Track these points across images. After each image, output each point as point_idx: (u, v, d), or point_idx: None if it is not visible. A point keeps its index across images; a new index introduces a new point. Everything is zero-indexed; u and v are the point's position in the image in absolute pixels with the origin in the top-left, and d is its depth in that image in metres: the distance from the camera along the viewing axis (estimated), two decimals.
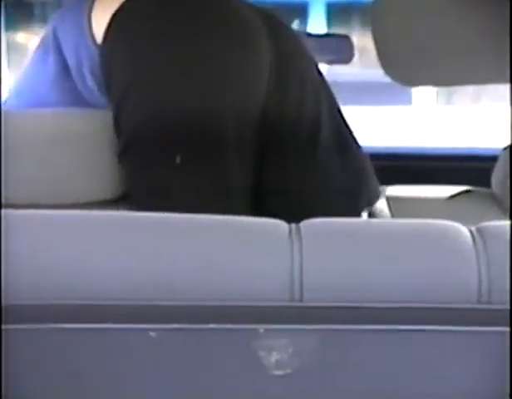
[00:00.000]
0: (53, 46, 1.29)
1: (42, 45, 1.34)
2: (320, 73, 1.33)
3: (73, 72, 1.27)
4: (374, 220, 1.02)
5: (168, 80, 1.16)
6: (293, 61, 1.25)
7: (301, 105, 1.24)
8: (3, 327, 0.82)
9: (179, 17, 1.17)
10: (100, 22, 1.22)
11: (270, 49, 1.19)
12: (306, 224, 0.89)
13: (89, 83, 1.25)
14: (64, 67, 1.28)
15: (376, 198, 1.37)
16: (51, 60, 1.29)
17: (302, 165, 1.25)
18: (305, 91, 1.25)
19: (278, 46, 1.21)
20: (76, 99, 1.29)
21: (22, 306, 0.83)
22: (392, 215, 1.40)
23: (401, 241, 0.88)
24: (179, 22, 1.16)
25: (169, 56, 1.15)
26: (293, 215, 0.93)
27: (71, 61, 1.26)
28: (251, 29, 1.19)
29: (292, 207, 1.22)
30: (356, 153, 1.35)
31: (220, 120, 1.16)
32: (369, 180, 1.36)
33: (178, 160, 1.16)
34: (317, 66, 1.34)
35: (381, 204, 1.37)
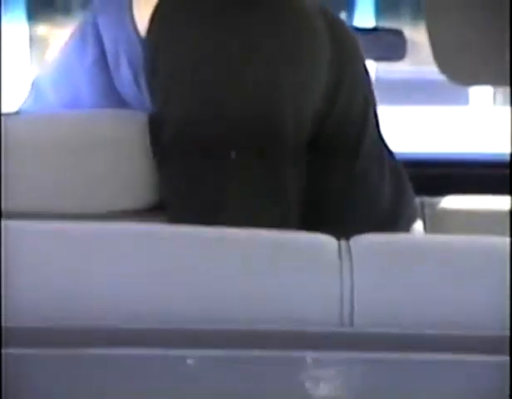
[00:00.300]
0: (92, 36, 1.31)
1: (80, 35, 1.35)
2: (367, 73, 1.33)
3: (111, 65, 1.28)
4: (430, 236, 1.01)
5: (219, 72, 1.15)
6: (348, 63, 1.24)
7: (350, 109, 1.23)
8: (3, 351, 0.82)
9: (230, 8, 1.16)
10: (142, 14, 1.22)
11: (329, 47, 1.19)
12: (356, 240, 0.88)
13: (126, 76, 1.26)
14: (102, 59, 1.30)
15: (415, 214, 1.36)
16: (90, 51, 1.31)
17: (344, 175, 1.24)
18: (355, 96, 1.25)
19: (336, 46, 1.21)
20: (110, 93, 1.31)
21: (43, 329, 0.83)
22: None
23: (458, 260, 0.87)
24: (231, 14, 1.15)
25: (219, 47, 1.14)
26: (334, 227, 0.92)
27: (110, 53, 1.27)
28: (312, 28, 1.18)
29: (333, 218, 1.22)
30: (395, 163, 1.34)
31: (277, 120, 1.15)
32: (408, 192, 1.35)
33: (229, 164, 1.15)
34: (365, 65, 1.33)
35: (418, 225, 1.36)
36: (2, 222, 0.89)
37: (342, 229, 0.90)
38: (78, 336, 0.82)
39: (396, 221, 1.28)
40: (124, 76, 1.27)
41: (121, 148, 1.29)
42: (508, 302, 0.82)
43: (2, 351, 0.81)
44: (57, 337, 0.82)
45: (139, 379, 0.83)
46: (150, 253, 0.87)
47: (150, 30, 1.20)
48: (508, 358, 0.80)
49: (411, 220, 1.33)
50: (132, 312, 0.84)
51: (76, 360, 0.82)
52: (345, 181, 1.24)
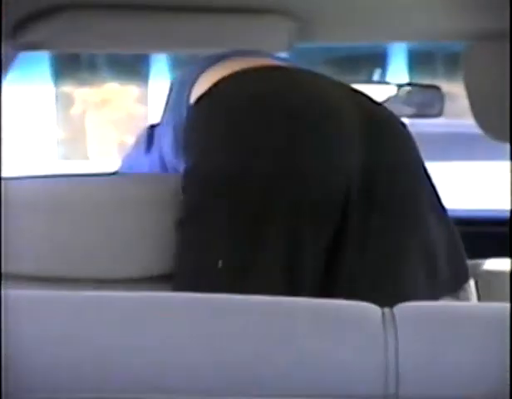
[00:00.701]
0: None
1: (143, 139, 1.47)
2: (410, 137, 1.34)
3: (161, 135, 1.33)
4: (474, 304, 1.00)
5: (248, 149, 1.22)
6: (385, 140, 1.26)
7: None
8: None
9: (268, 100, 1.21)
10: (198, 90, 1.32)
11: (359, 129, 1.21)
12: (400, 308, 0.88)
13: (168, 137, 1.31)
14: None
15: (467, 276, 1.36)
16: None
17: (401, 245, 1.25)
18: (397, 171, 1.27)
19: (369, 127, 1.23)
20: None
21: None
22: (479, 297, 1.38)
23: (500, 330, 0.86)
24: (267, 106, 1.20)
25: (252, 130, 1.19)
26: (381, 296, 0.92)
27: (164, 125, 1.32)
28: (340, 112, 1.21)
29: (383, 287, 1.22)
30: (449, 224, 1.34)
31: (302, 195, 1.19)
32: (461, 254, 1.35)
33: (250, 233, 1.19)
34: (405, 126, 1.35)
35: (470, 286, 1.35)
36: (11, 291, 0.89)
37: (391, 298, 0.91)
38: None
39: (449, 281, 1.28)
40: (167, 139, 1.31)
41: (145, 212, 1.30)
42: None
43: None
44: None
45: None
46: (180, 322, 0.87)
47: (197, 102, 1.28)
48: None
49: (463, 280, 1.33)
50: (155, 381, 0.84)
51: None
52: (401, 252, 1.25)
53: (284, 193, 1.20)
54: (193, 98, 1.32)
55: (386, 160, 1.26)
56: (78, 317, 0.87)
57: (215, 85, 1.29)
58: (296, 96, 1.26)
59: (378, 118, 1.30)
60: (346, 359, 0.84)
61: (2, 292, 0.88)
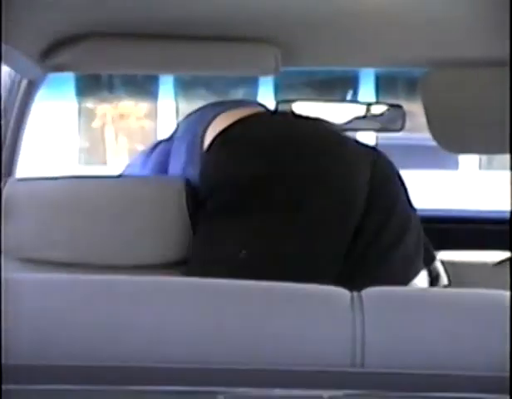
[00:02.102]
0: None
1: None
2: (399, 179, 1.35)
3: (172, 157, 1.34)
4: (432, 289, 1.00)
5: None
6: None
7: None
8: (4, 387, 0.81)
9: (273, 144, 1.22)
10: (209, 135, 1.33)
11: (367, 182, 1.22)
12: (367, 291, 0.88)
13: (181, 161, 1.32)
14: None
15: (432, 259, 1.36)
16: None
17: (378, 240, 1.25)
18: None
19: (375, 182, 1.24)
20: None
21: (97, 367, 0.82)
22: (449, 277, 1.38)
23: (457, 311, 0.86)
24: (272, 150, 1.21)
25: (256, 175, 1.19)
26: (358, 280, 0.92)
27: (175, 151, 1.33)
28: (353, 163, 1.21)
29: (357, 272, 1.21)
30: (415, 217, 1.34)
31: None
32: (425, 242, 1.35)
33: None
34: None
35: (437, 265, 1.36)
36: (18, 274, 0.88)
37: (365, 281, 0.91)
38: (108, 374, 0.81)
39: (418, 260, 1.29)
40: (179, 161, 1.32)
41: (158, 208, 1.29)
42: (507, 346, 0.81)
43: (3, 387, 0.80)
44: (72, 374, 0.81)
45: None
46: (181, 303, 0.86)
47: (208, 149, 1.30)
48: (508, 397, 0.79)
49: (432, 258, 1.34)
50: (164, 352, 0.83)
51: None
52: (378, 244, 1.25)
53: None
54: (206, 144, 1.33)
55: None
56: (88, 297, 0.86)
57: (226, 129, 1.29)
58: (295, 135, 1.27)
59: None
60: (317, 334, 0.83)
61: (16, 274, 0.87)
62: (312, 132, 1.30)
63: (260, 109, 1.39)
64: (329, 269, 1.17)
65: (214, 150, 1.32)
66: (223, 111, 1.39)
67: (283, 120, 1.35)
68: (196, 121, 1.44)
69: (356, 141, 1.33)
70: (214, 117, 1.38)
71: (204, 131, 1.36)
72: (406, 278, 1.26)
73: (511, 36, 1.48)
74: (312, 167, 1.24)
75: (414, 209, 1.35)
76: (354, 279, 0.94)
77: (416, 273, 1.32)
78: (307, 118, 1.41)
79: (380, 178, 1.27)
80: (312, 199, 1.21)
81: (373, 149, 1.34)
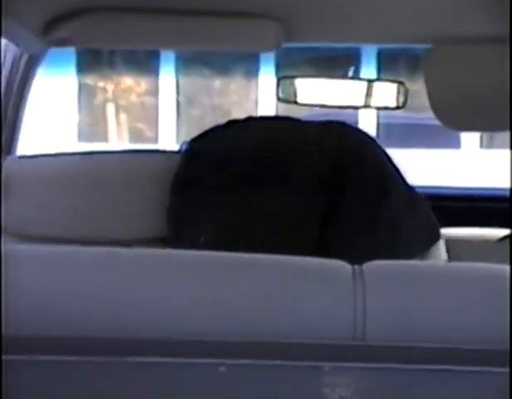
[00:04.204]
0: None
1: None
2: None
3: None
4: (433, 263, 1.01)
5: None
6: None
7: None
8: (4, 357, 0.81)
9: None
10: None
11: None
12: (368, 266, 0.88)
13: None
14: None
15: (437, 237, 1.35)
16: None
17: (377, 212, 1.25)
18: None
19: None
20: None
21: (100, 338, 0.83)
22: (449, 256, 1.38)
23: (458, 285, 0.87)
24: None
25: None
26: (362, 255, 0.92)
27: None
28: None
29: (362, 248, 1.21)
30: (417, 195, 1.33)
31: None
32: (430, 220, 1.35)
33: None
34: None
35: (440, 245, 1.35)
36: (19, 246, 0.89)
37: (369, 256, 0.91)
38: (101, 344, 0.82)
39: (421, 241, 1.28)
40: None
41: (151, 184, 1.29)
42: (507, 319, 0.82)
43: (3, 357, 0.80)
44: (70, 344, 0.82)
45: (177, 387, 0.83)
46: (183, 277, 0.87)
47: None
48: (508, 369, 0.80)
49: (435, 239, 1.33)
50: (160, 323, 0.84)
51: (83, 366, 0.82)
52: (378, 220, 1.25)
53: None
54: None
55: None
56: (89, 268, 0.87)
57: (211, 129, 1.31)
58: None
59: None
60: (319, 307, 0.84)
61: (17, 247, 0.87)
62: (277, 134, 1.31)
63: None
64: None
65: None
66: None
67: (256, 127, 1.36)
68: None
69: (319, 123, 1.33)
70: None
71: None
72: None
73: (511, 13, 1.48)
74: (272, 165, 1.25)
75: (411, 188, 1.35)
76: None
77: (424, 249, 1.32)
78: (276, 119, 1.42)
79: (348, 155, 1.27)
80: (270, 191, 1.22)
81: (338, 125, 1.33)
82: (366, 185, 1.26)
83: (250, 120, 1.34)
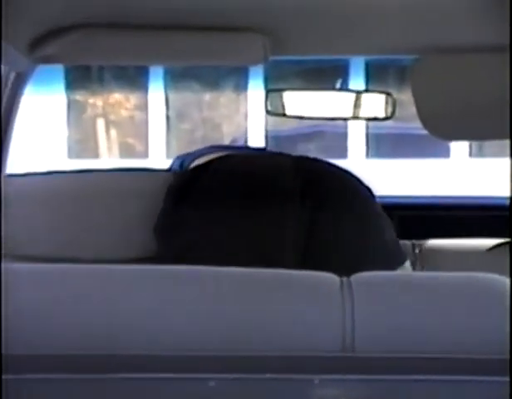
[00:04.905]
0: None
1: None
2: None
3: None
4: (421, 273, 1.01)
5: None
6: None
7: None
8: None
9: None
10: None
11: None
12: (356, 277, 0.88)
13: None
14: None
15: (404, 258, 1.36)
16: None
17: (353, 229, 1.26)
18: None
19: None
20: None
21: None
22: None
23: (447, 295, 0.87)
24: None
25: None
26: (339, 268, 0.93)
27: None
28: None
29: (339, 262, 1.22)
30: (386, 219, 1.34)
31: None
32: (397, 243, 1.36)
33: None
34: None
35: (407, 266, 1.36)
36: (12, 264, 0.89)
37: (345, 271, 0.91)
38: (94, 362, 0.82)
39: (388, 260, 1.29)
40: None
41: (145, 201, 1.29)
42: (497, 328, 0.82)
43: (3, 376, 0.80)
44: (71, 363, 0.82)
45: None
46: (169, 291, 0.87)
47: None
48: (493, 378, 0.80)
49: (401, 260, 1.33)
50: (153, 340, 0.84)
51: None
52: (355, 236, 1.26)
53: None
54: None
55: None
56: (84, 286, 0.87)
57: (208, 162, 1.32)
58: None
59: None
60: (307, 320, 0.84)
61: (14, 265, 0.87)
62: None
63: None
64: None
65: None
66: (207, 152, 1.42)
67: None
68: (182, 159, 1.47)
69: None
70: (197, 157, 1.42)
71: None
72: None
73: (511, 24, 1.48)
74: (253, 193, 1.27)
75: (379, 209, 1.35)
76: None
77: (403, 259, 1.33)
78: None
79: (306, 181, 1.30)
80: (258, 211, 1.25)
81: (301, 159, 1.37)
82: (335, 201, 1.27)
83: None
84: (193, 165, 1.37)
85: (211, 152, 1.41)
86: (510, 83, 1.63)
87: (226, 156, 1.35)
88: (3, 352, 0.80)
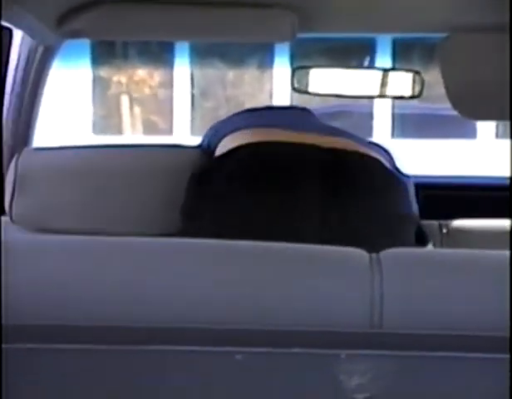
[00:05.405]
0: None
1: None
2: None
3: None
4: (450, 251, 1.01)
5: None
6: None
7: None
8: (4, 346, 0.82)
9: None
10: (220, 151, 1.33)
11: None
12: (385, 254, 0.88)
13: None
14: None
15: (425, 240, 1.36)
16: None
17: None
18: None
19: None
20: None
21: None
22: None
23: (475, 272, 0.87)
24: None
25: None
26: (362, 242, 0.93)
27: None
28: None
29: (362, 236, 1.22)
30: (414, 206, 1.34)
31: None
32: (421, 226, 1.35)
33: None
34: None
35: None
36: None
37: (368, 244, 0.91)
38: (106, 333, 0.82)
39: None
40: None
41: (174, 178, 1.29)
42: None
43: (3, 346, 0.81)
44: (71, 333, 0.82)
45: (195, 375, 0.83)
46: (203, 264, 0.87)
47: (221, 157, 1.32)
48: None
49: (423, 243, 1.33)
50: (180, 312, 0.84)
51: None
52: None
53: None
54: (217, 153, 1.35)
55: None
56: (101, 258, 0.87)
57: (234, 150, 1.31)
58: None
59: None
60: (336, 295, 0.84)
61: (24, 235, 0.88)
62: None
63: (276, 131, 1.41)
64: None
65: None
66: (231, 132, 1.40)
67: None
68: (211, 136, 1.46)
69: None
70: (223, 137, 1.40)
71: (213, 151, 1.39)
72: None
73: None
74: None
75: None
76: None
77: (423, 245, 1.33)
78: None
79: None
80: (284, 187, 1.25)
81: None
82: (365, 176, 1.27)
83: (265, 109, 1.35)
84: (221, 144, 1.37)
85: (240, 128, 1.40)
86: None
87: (250, 145, 1.34)
88: (16, 322, 0.81)
